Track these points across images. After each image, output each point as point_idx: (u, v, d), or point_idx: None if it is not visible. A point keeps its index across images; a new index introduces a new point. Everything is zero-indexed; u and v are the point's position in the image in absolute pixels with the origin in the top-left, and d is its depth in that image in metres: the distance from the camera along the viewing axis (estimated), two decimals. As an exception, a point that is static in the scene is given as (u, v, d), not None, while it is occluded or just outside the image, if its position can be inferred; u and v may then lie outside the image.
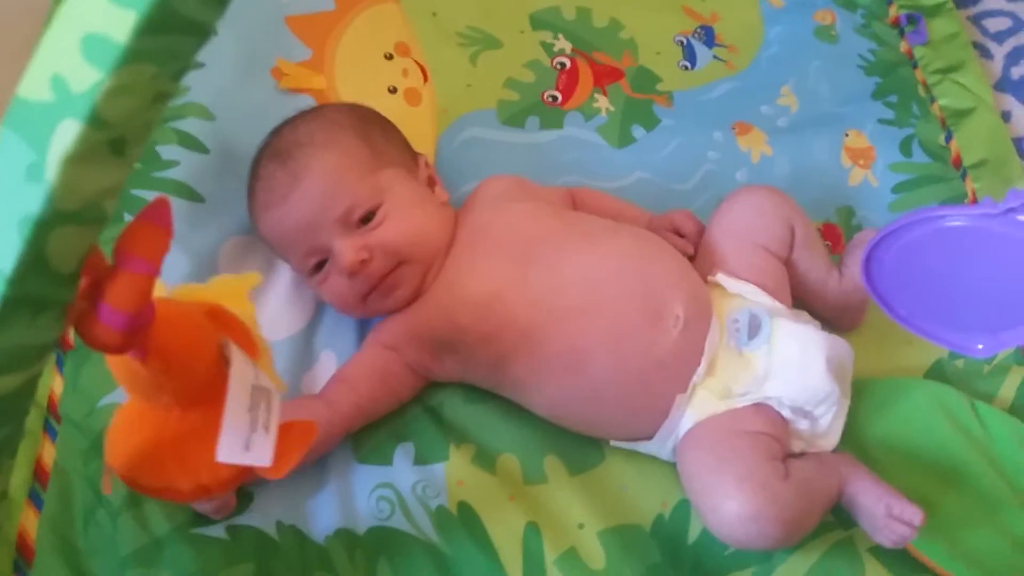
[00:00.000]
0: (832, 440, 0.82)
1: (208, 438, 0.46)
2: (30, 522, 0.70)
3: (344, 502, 0.77)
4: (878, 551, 0.80)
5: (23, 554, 0.69)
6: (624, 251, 0.81)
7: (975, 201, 1.09)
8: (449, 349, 0.79)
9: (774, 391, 0.78)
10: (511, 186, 0.88)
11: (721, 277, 0.84)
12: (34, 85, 0.36)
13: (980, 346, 0.75)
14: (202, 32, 0.37)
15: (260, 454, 0.47)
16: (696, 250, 0.89)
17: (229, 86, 0.93)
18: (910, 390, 0.90)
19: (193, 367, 0.46)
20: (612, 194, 0.96)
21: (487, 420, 0.83)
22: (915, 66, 1.20)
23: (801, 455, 0.80)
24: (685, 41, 1.17)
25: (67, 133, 0.35)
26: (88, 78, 0.35)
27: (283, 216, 0.79)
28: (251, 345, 0.50)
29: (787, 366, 0.78)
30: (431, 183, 0.86)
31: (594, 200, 0.93)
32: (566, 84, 1.07)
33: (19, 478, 0.71)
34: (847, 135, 1.10)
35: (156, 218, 0.42)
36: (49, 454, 0.74)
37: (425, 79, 1.03)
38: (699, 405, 0.78)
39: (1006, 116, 1.19)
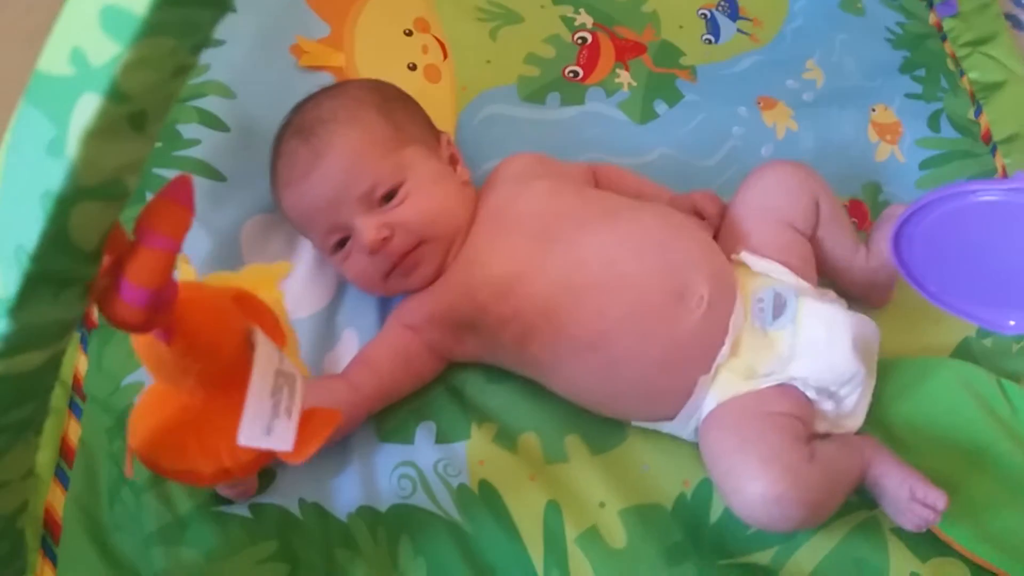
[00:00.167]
0: (857, 421, 0.81)
1: (231, 422, 0.46)
2: (57, 499, 0.71)
3: (366, 480, 0.77)
4: (902, 531, 0.79)
5: (50, 530, 0.70)
6: (646, 229, 0.80)
7: (1005, 176, 1.07)
8: (470, 328, 0.79)
9: (799, 371, 0.77)
10: (532, 164, 0.87)
11: (745, 255, 0.83)
12: (54, 59, 0.36)
13: (1012, 322, 0.74)
14: (221, 3, 0.37)
15: (281, 439, 0.47)
16: (718, 229, 0.88)
17: (249, 64, 0.93)
18: (936, 370, 0.89)
19: (218, 351, 0.46)
20: (635, 170, 0.95)
21: (509, 399, 0.83)
22: (944, 39, 1.17)
23: (825, 436, 0.79)
24: (709, 14, 1.15)
25: (87, 107, 0.35)
26: (107, 51, 0.34)
27: (305, 193, 0.78)
28: (277, 331, 0.50)
29: (813, 346, 0.77)
30: (453, 161, 0.86)
31: (616, 177, 0.92)
32: (587, 59, 1.06)
33: (45, 456, 0.72)
34: (874, 110, 1.09)
35: (178, 195, 0.42)
36: (74, 432, 0.74)
37: (445, 55, 1.02)
38: (722, 386, 0.77)
39: (1038, 90, 1.16)
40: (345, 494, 0.77)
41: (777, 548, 0.78)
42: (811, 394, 0.78)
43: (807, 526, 0.74)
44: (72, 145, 0.35)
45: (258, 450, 0.47)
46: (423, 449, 0.79)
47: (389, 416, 0.80)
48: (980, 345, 0.95)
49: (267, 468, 0.75)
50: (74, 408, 0.75)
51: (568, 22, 1.09)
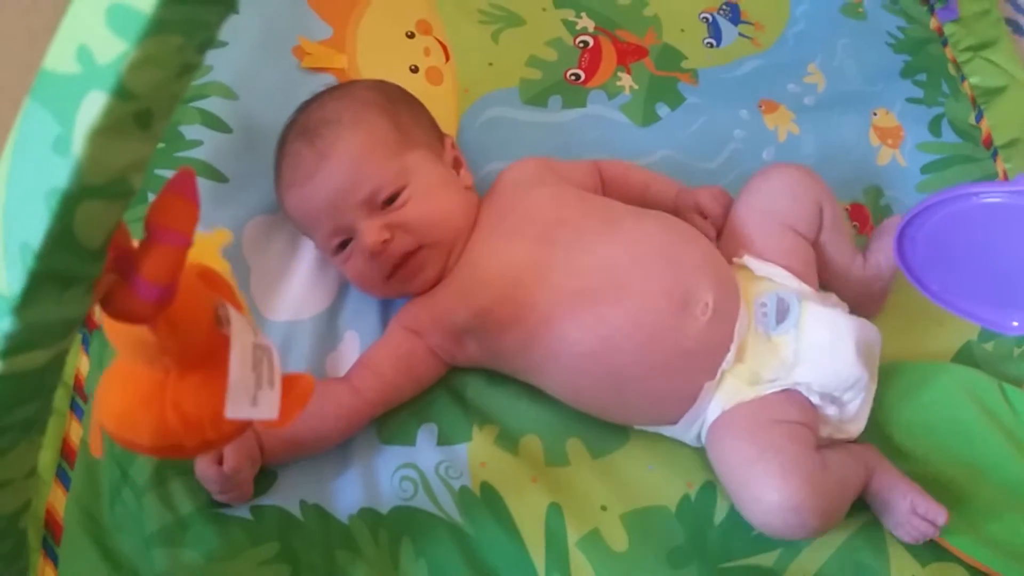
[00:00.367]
0: (859, 425, 0.81)
1: (210, 396, 0.47)
2: (58, 500, 0.71)
3: (368, 482, 0.77)
4: (902, 536, 0.79)
5: (51, 531, 0.70)
6: (647, 236, 0.80)
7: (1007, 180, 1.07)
8: (471, 333, 0.79)
9: (803, 377, 0.77)
10: (537, 169, 0.87)
11: (748, 259, 0.83)
12: (60, 56, 0.36)
13: (1015, 323, 0.74)
14: (226, 1, 0.37)
15: (267, 409, 0.48)
16: (722, 230, 0.88)
17: (251, 65, 0.93)
18: (937, 375, 0.89)
19: (195, 329, 0.47)
20: (639, 169, 0.95)
21: (510, 402, 0.82)
22: (945, 43, 1.18)
23: (831, 446, 0.79)
24: (710, 18, 1.15)
25: (93, 105, 0.35)
26: (114, 49, 0.34)
27: (308, 195, 0.78)
28: (236, 303, 0.50)
29: (816, 351, 0.77)
30: (457, 165, 0.86)
31: (622, 172, 0.92)
32: (589, 62, 1.06)
33: (47, 456, 0.72)
34: (875, 114, 1.09)
35: (183, 190, 0.42)
36: (76, 433, 0.74)
37: (447, 58, 1.02)
38: (727, 392, 0.77)
39: (1039, 95, 1.16)
40: (346, 496, 0.76)
41: (780, 551, 0.78)
42: (815, 399, 0.78)
43: (819, 534, 0.74)
44: (78, 143, 0.35)
45: (240, 421, 0.48)
46: (424, 451, 0.79)
47: (390, 418, 0.80)
48: (982, 349, 0.94)
49: (268, 470, 0.75)
50: (76, 409, 0.75)
51: (570, 26, 1.09)
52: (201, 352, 0.47)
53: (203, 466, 0.71)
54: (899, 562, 0.79)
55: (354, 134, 0.78)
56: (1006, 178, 1.07)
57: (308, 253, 0.86)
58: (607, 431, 0.82)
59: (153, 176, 0.83)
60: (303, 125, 0.80)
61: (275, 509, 0.74)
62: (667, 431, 0.81)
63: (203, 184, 0.85)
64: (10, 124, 0.38)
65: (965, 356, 0.94)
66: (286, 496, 0.75)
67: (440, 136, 0.86)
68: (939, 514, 0.76)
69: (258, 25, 0.95)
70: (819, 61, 1.13)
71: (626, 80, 1.06)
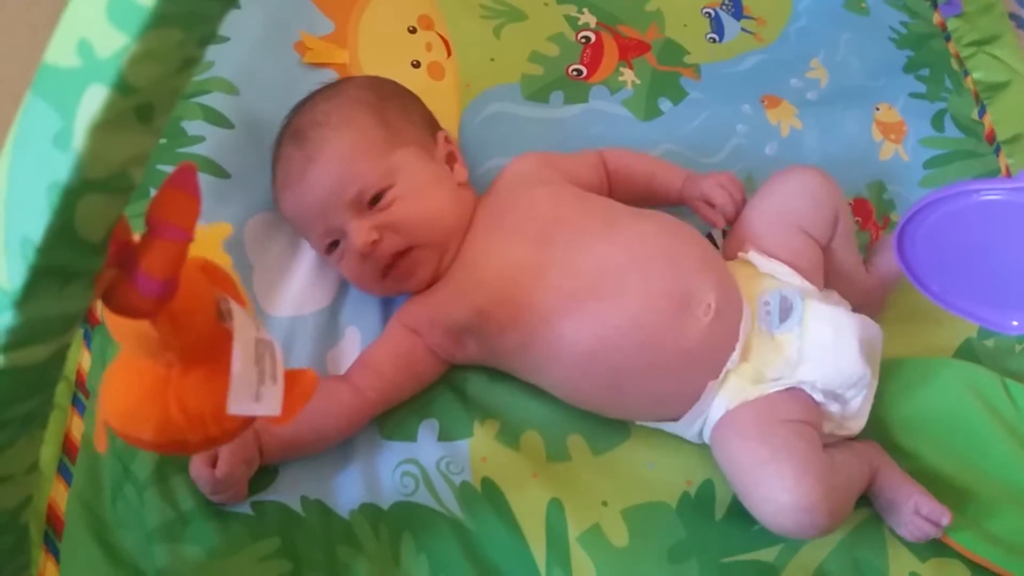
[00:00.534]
0: (860, 422, 0.81)
1: (213, 391, 0.47)
2: (60, 495, 0.71)
3: (369, 477, 0.77)
4: (902, 532, 0.80)
5: (53, 526, 0.70)
6: (646, 237, 0.79)
7: (1009, 176, 1.07)
8: (469, 332, 0.79)
9: (807, 375, 0.77)
10: (537, 165, 0.86)
11: (753, 255, 0.83)
12: (61, 50, 0.36)
13: (1015, 323, 0.74)
14: (228, -6, 0.37)
15: (270, 405, 0.47)
16: (734, 219, 0.87)
17: (252, 60, 0.93)
18: (939, 371, 0.89)
19: (197, 323, 0.47)
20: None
21: (511, 397, 0.82)
22: (948, 38, 1.17)
23: (836, 445, 0.79)
24: (713, 13, 1.15)
25: (94, 99, 0.35)
26: (114, 43, 0.34)
27: (299, 197, 0.79)
28: (238, 297, 0.50)
29: (820, 349, 0.77)
30: (451, 159, 0.85)
31: (626, 161, 0.91)
32: (591, 58, 1.06)
33: (49, 452, 0.72)
34: (878, 109, 1.09)
35: (185, 185, 0.42)
36: (77, 428, 0.74)
37: (448, 53, 1.02)
38: (731, 391, 0.77)
39: (1042, 90, 1.16)
40: (347, 491, 0.76)
41: (781, 547, 0.78)
42: (818, 397, 0.78)
43: (827, 534, 0.74)
44: (79, 137, 0.35)
45: (243, 416, 0.48)
46: (426, 447, 0.79)
47: (391, 414, 0.80)
48: (982, 346, 0.95)
49: (269, 466, 0.75)
50: (77, 404, 0.75)
51: (571, 21, 1.08)
52: (204, 346, 0.47)
53: (196, 467, 0.71)
54: (898, 557, 0.79)
55: (341, 136, 0.78)
56: (1009, 173, 1.07)
57: (309, 249, 0.86)
58: (608, 427, 0.82)
59: (155, 171, 0.83)
60: (294, 128, 0.81)
61: (276, 505, 0.74)
62: (668, 427, 0.81)
63: (205, 180, 0.85)
64: (11, 118, 0.38)
65: (966, 353, 0.94)
66: (287, 492, 0.75)
67: (433, 131, 0.86)
68: (943, 515, 0.77)
69: (259, 20, 0.95)
70: (822, 56, 1.13)
71: (628, 75, 1.05)
